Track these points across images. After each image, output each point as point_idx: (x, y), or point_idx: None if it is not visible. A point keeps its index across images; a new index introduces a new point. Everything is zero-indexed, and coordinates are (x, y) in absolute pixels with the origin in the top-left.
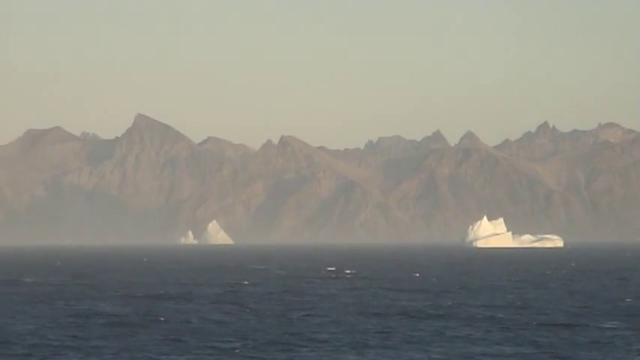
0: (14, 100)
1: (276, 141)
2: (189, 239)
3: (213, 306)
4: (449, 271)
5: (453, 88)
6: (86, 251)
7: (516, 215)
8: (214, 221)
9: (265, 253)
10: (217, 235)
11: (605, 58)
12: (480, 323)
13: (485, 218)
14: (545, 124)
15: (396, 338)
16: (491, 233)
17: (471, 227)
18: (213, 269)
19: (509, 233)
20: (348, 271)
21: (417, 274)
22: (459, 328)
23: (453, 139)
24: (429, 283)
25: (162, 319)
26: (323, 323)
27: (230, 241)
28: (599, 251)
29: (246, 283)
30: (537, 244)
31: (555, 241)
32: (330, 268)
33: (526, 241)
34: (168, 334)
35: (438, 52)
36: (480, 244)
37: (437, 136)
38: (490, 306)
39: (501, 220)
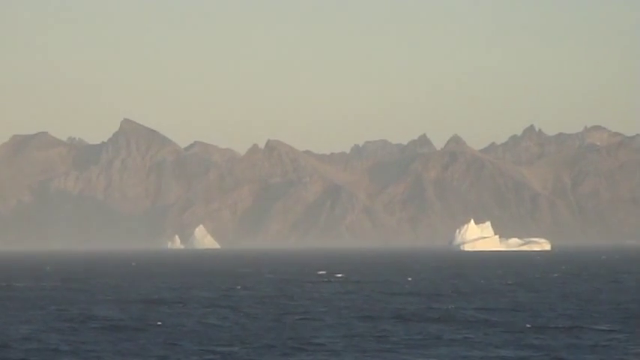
0: (0, 106)
1: (262, 145)
2: (176, 244)
3: (207, 310)
4: (439, 274)
5: (439, 92)
6: (74, 256)
7: (502, 218)
8: (201, 226)
9: (254, 258)
10: (204, 239)
11: (591, 61)
12: (477, 326)
13: (472, 222)
14: (531, 127)
15: (393, 341)
16: (478, 237)
17: (458, 231)
18: (203, 273)
19: (497, 237)
20: (339, 275)
21: (410, 278)
22: (456, 332)
23: (439, 142)
24: (420, 286)
25: (159, 323)
26: (319, 327)
27: (217, 246)
28: (587, 254)
29: (238, 287)
30: (525, 248)
31: (542, 245)
32: (320, 272)
33: (513, 244)
34: (166, 338)
35: (423, 55)
36: (467, 247)
37: (423, 140)
38: (485, 309)
39: (488, 223)
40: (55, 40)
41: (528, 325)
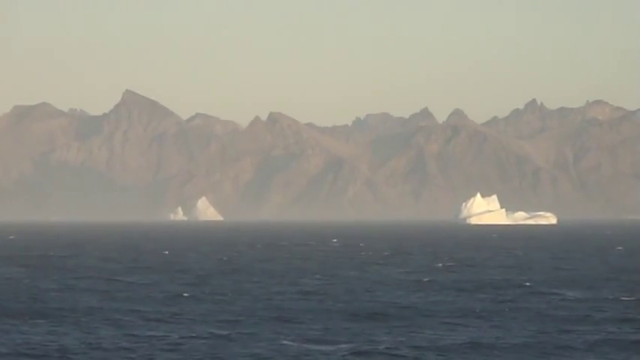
0: (1, 76)
1: (264, 117)
2: (179, 215)
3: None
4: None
5: (441, 65)
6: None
7: (504, 192)
8: (204, 197)
9: (281, 230)
10: (207, 211)
11: (593, 36)
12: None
13: (478, 195)
14: (533, 101)
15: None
16: (484, 210)
17: (464, 204)
18: (260, 247)
19: (503, 210)
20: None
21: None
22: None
23: (440, 116)
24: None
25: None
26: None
27: (220, 218)
28: (608, 229)
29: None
30: (531, 222)
31: (549, 218)
32: (361, 244)
33: (519, 218)
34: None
35: (425, 28)
36: (474, 220)
37: (425, 113)
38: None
39: (495, 197)
40: (56, 12)
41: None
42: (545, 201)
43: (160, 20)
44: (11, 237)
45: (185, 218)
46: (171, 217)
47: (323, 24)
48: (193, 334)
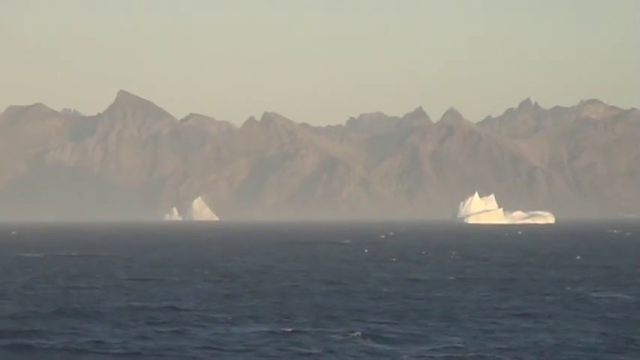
0: None
1: (258, 117)
2: (174, 216)
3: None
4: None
5: (435, 65)
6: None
7: (499, 192)
8: (199, 198)
9: (296, 229)
10: (202, 211)
11: (587, 35)
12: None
13: (476, 194)
14: (527, 100)
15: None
16: (482, 210)
17: (462, 203)
18: (293, 245)
19: (501, 210)
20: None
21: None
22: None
23: (435, 115)
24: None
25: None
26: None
27: (215, 218)
28: (614, 228)
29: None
30: (529, 221)
31: (547, 218)
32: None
33: (517, 217)
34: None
35: (419, 28)
36: (471, 220)
37: (419, 113)
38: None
39: (492, 196)
40: (51, 12)
41: None
42: (540, 200)
43: (153, 21)
44: (16, 234)
45: (180, 218)
46: (167, 217)
47: (316, 24)
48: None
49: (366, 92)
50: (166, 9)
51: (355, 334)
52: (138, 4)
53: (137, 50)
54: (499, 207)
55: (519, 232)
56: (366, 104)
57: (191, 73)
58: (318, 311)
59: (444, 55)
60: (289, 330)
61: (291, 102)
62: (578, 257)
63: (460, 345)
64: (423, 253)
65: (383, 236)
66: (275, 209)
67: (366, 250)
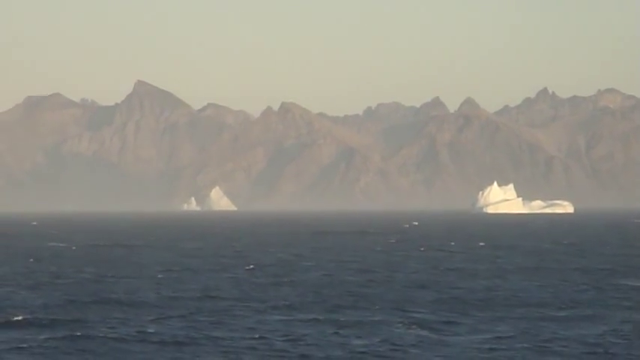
0: (14, 67)
1: (276, 107)
2: (192, 205)
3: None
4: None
5: (452, 54)
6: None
7: (517, 181)
8: (217, 187)
9: (315, 219)
10: (220, 201)
11: (604, 24)
12: None
13: (495, 184)
14: (545, 89)
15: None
16: (501, 199)
17: (481, 193)
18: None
19: (520, 199)
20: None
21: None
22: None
23: (452, 105)
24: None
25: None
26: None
27: (233, 208)
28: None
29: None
30: (548, 210)
31: (566, 207)
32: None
33: (536, 207)
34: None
35: (436, 17)
36: (491, 209)
37: (436, 103)
38: None
39: (511, 186)
40: (69, 2)
41: None
42: (557, 190)
43: (171, 11)
44: (54, 231)
45: (198, 208)
46: (185, 207)
47: (334, 14)
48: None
49: (383, 82)
50: (184, 1)
51: (408, 324)
52: None
53: (155, 40)
54: (518, 196)
55: (541, 222)
56: (384, 94)
57: (208, 63)
58: (358, 300)
59: (460, 44)
60: (336, 318)
61: (309, 92)
62: (608, 247)
63: (511, 334)
64: (452, 243)
65: (407, 225)
66: (292, 199)
67: (393, 240)
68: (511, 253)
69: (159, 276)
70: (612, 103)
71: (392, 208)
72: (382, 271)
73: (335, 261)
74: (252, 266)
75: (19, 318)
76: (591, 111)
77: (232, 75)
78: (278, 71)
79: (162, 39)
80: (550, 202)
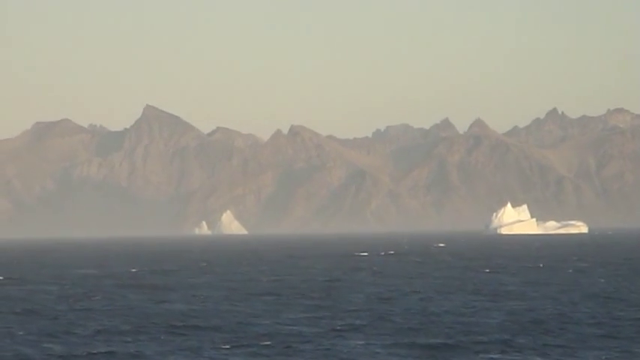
0: (22, 93)
1: (285, 130)
2: (204, 229)
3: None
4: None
5: (461, 76)
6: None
7: (528, 202)
8: (228, 211)
9: (329, 241)
10: (231, 225)
11: (613, 44)
12: None
13: (509, 205)
14: (554, 110)
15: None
16: (515, 220)
17: (495, 214)
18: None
19: (534, 220)
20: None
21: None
22: None
23: (461, 126)
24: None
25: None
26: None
27: (244, 231)
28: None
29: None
30: (562, 231)
31: (580, 227)
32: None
33: (550, 227)
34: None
35: (444, 39)
36: (504, 230)
37: (445, 124)
38: None
39: (525, 206)
40: (77, 28)
41: None
42: (568, 210)
43: (180, 35)
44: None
45: (209, 232)
46: (196, 231)
47: (343, 37)
48: None
49: (392, 104)
50: (193, 24)
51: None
52: (164, 20)
53: (163, 65)
54: (531, 217)
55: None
56: (392, 116)
57: (217, 87)
58: (430, 321)
59: (469, 65)
60: (419, 344)
61: (318, 115)
62: None
63: None
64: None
65: (433, 247)
66: (303, 222)
67: (427, 262)
68: (569, 275)
69: (220, 301)
70: (622, 123)
71: (401, 230)
72: (433, 295)
73: (378, 284)
74: (303, 291)
75: None
76: (601, 131)
77: (241, 99)
78: (287, 94)
79: (171, 63)
80: (564, 222)
